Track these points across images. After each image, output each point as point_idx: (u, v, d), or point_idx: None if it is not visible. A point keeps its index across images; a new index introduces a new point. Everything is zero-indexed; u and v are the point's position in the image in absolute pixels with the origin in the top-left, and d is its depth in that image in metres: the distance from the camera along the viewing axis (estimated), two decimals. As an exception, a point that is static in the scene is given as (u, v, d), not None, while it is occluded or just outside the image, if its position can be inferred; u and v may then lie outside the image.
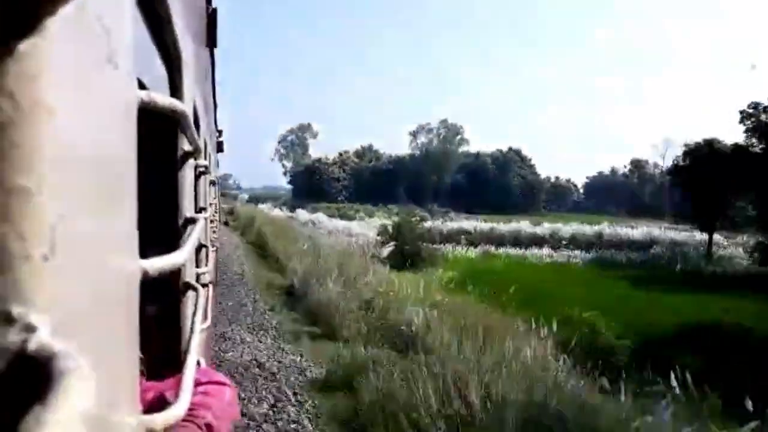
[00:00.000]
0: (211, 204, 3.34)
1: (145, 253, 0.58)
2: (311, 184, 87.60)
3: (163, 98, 0.66)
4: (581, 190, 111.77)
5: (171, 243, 1.40)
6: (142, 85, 0.75)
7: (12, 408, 0.24)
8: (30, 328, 0.26)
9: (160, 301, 1.49)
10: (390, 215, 51.51)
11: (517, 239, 39.38)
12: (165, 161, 1.45)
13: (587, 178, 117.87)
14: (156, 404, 1.14)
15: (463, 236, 37.61)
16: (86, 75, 0.35)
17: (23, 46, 0.26)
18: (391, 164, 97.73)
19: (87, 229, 0.34)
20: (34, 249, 0.26)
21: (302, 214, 41.29)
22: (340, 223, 36.53)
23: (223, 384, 1.38)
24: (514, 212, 79.68)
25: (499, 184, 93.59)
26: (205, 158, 2.38)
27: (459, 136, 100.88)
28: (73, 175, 0.32)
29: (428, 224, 34.26)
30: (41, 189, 0.26)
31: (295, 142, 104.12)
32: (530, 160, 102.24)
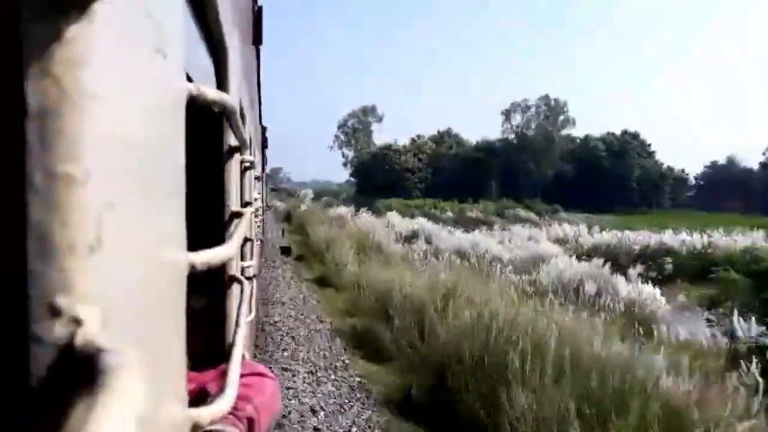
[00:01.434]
0: (256, 199, 3.38)
1: (191, 245, 0.58)
2: (379, 177, 71.33)
3: (212, 92, 0.66)
4: (693, 183, 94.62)
5: (217, 236, 1.42)
6: (188, 78, 0.75)
7: (59, 404, 0.24)
8: (77, 321, 0.25)
9: (206, 294, 1.51)
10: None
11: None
12: (212, 155, 1.46)
13: (705, 167, 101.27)
14: (197, 396, 1.15)
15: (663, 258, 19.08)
16: (134, 63, 0.34)
17: (70, 30, 0.25)
18: (478, 151, 76.36)
19: (134, 220, 0.33)
20: (79, 239, 0.25)
21: (395, 218, 27.38)
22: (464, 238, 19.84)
23: (265, 376, 1.38)
24: (637, 210, 68.43)
25: (614, 174, 74.51)
26: (251, 154, 2.40)
27: (562, 116, 77.82)
28: (120, 165, 0.31)
29: (568, 232, 25.05)
30: (87, 177, 0.26)
31: (357, 127, 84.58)
32: (649, 145, 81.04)
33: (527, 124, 78.96)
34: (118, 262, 0.29)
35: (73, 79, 0.25)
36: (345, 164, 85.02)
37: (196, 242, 0.64)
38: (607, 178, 74.46)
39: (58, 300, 0.25)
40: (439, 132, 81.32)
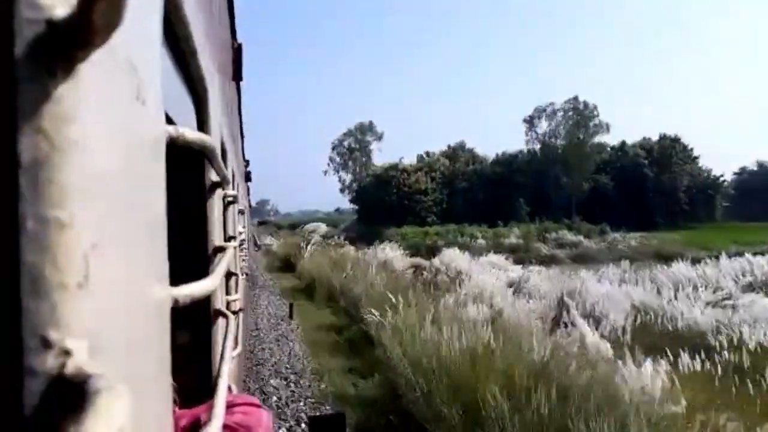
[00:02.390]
0: (240, 233, 3.39)
1: (175, 281, 0.60)
2: (384, 201, 59.57)
3: (190, 132, 0.69)
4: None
5: (201, 271, 1.43)
6: (170, 120, 0.78)
7: (51, 429, 0.26)
8: (67, 353, 0.27)
9: (192, 328, 1.51)
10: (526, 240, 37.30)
11: None
12: (194, 192, 1.49)
13: (735, 173, 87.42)
14: (191, 430, 1.16)
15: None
16: (116, 112, 0.37)
17: (59, 89, 0.28)
18: (499, 165, 64.90)
19: (118, 258, 0.36)
20: (68, 277, 0.28)
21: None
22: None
23: (259, 407, 1.40)
24: (689, 224, 58.29)
25: (659, 185, 62.94)
26: (233, 188, 2.43)
27: (594, 121, 64.90)
28: (105, 207, 0.33)
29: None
30: (74, 221, 0.28)
31: (354, 147, 75.20)
32: (691, 150, 67.56)
33: (554, 132, 65.84)
34: (104, 298, 0.32)
35: (61, 133, 0.28)
36: (342, 190, 75.52)
37: (179, 277, 0.66)
38: (651, 189, 62.66)
39: (49, 333, 0.27)
40: (450, 147, 69.12)
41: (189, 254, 1.52)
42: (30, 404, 0.26)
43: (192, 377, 1.55)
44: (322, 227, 46.79)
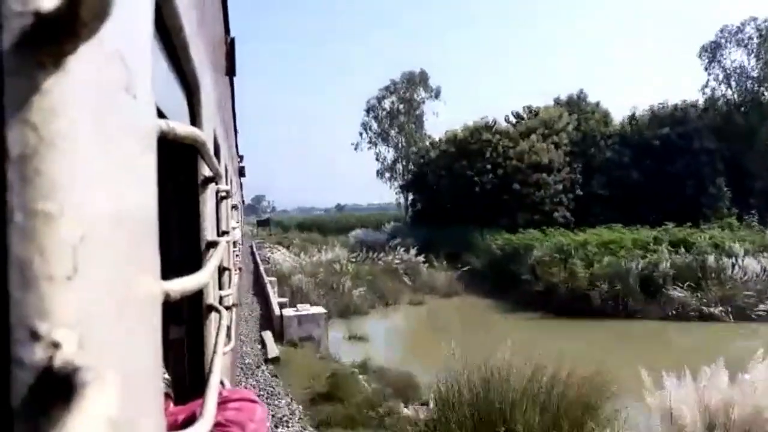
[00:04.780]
0: (233, 228, 3.39)
1: (168, 275, 0.60)
2: (467, 186, 30.33)
3: (182, 127, 0.69)
4: None
5: (194, 266, 1.43)
6: (162, 114, 0.78)
7: (40, 421, 0.26)
8: (55, 345, 0.27)
9: (185, 323, 1.51)
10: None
11: None
12: (186, 186, 1.48)
13: None
14: (188, 425, 1.17)
15: None
16: (105, 105, 0.37)
17: (47, 81, 0.28)
18: (663, 124, 31.75)
19: (108, 251, 0.36)
20: (57, 269, 0.28)
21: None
22: None
23: (254, 402, 1.40)
24: None
25: None
26: (226, 183, 2.42)
27: None
28: (93, 200, 0.33)
29: None
30: (63, 213, 0.28)
31: (398, 108, 47.33)
32: None
33: (739, 76, 35.70)
34: (92, 291, 0.32)
35: (50, 125, 0.28)
36: (382, 172, 47.88)
37: (172, 272, 0.66)
38: None
39: (37, 325, 0.27)
40: (558, 101, 35.40)
41: (181, 249, 1.52)
42: (18, 395, 0.26)
43: (185, 371, 1.55)
44: (360, 234, 34.69)
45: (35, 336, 0.27)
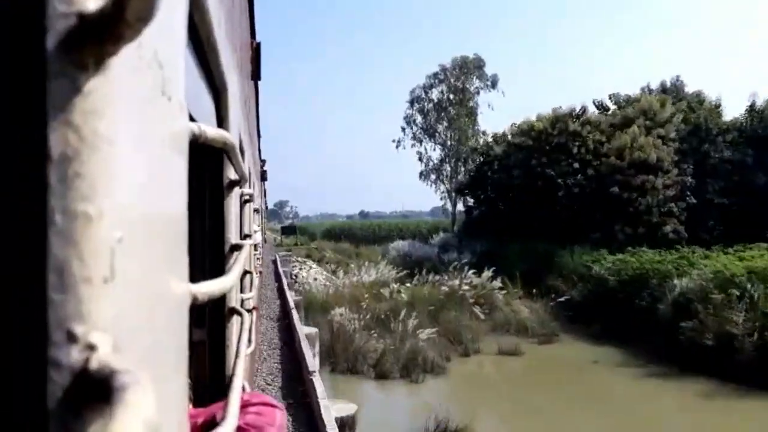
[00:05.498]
0: (255, 231, 3.41)
1: (193, 278, 0.60)
2: (543, 189, 23.52)
3: (212, 130, 0.69)
4: None
5: (217, 269, 1.44)
6: (190, 116, 0.79)
7: (76, 424, 0.26)
8: (91, 347, 0.27)
9: (208, 326, 1.52)
10: None
11: None
12: (213, 189, 1.49)
13: None
14: (208, 428, 1.17)
15: None
16: (143, 107, 0.37)
17: (89, 83, 0.28)
18: None
19: (142, 253, 0.36)
20: (94, 271, 0.28)
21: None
22: None
23: (274, 407, 1.41)
24: None
25: None
26: (250, 186, 2.44)
27: None
28: (130, 202, 0.33)
29: None
30: (101, 215, 0.28)
31: (450, 98, 39.29)
32: None
33: None
34: (127, 293, 0.32)
35: (91, 127, 0.28)
36: (425, 174, 39.57)
37: (196, 274, 0.66)
38: None
39: (74, 327, 0.27)
40: (647, 88, 29.33)
41: (206, 251, 1.53)
42: (54, 397, 0.26)
43: (205, 374, 1.56)
44: (402, 243, 30.59)
45: (72, 338, 0.27)
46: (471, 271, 17.53)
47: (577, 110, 26.05)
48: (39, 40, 0.26)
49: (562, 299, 17.13)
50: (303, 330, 7.57)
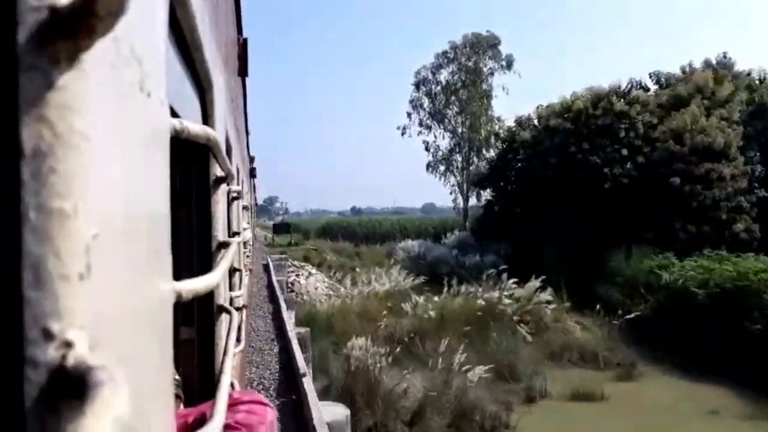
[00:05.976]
0: (244, 228, 3.40)
1: (179, 276, 0.60)
2: (584, 189, 19.21)
3: (195, 126, 0.68)
4: None
5: (205, 267, 1.43)
6: (174, 113, 0.78)
7: (52, 421, 0.26)
8: (68, 344, 0.27)
9: (195, 323, 1.52)
10: None
11: None
12: (198, 186, 1.49)
13: None
14: (197, 426, 1.17)
15: None
16: (120, 103, 0.37)
17: (63, 78, 0.27)
18: None
19: (121, 250, 0.36)
20: (70, 268, 0.28)
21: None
22: None
23: (265, 404, 1.41)
24: None
25: None
26: (238, 183, 2.43)
27: None
28: (107, 199, 0.33)
29: None
30: (77, 211, 0.28)
31: (457, 80, 34.50)
32: None
33: None
34: (105, 290, 0.32)
35: (65, 122, 0.28)
36: (434, 165, 35.56)
37: (183, 272, 0.66)
38: None
39: (51, 324, 0.27)
40: (688, 67, 23.90)
41: (193, 249, 1.52)
42: (31, 395, 0.26)
43: (195, 372, 1.55)
44: (411, 243, 26.46)
45: (48, 335, 0.27)
46: (511, 280, 14.12)
47: (623, 87, 21.85)
48: (10, 33, 0.26)
49: (631, 316, 13.12)
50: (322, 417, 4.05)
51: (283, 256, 18.35)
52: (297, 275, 17.17)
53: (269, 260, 16.02)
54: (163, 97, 0.53)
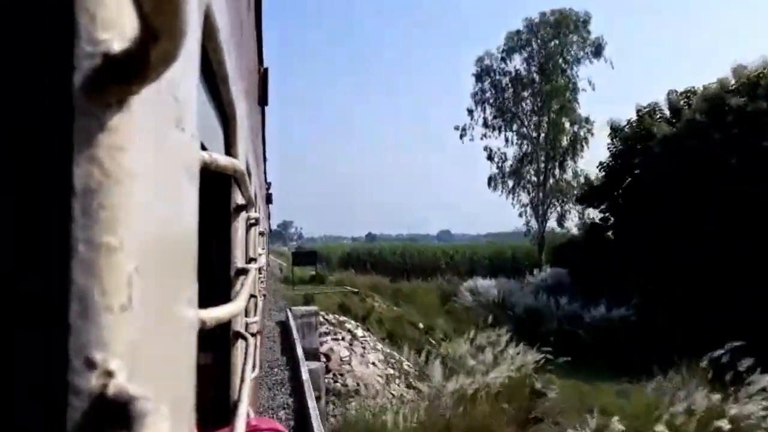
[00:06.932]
0: (260, 254, 3.42)
1: (199, 303, 0.61)
2: None
3: (223, 158, 0.70)
4: None
5: (223, 293, 1.44)
6: (201, 144, 0.80)
7: None
8: (109, 374, 0.28)
9: (212, 349, 1.52)
10: None
11: None
12: (220, 213, 1.51)
13: None
14: None
15: None
16: (161, 141, 0.38)
17: (113, 120, 0.29)
18: None
19: (156, 281, 0.37)
20: (114, 300, 0.29)
21: None
22: None
23: None
24: None
25: None
26: (256, 210, 2.46)
27: None
28: (146, 232, 0.35)
29: None
30: (122, 245, 0.30)
31: (540, 65, 25.72)
32: None
33: None
34: (143, 320, 0.33)
35: (115, 161, 0.29)
36: (495, 179, 29.20)
37: (202, 299, 0.67)
38: None
39: (94, 354, 0.28)
40: None
41: (211, 276, 1.54)
42: (73, 422, 0.27)
43: (212, 398, 1.55)
44: (482, 283, 20.09)
45: (91, 365, 0.28)
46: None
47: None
48: (66, 78, 0.28)
49: None
50: None
51: (312, 309, 11.08)
52: (335, 338, 10.61)
53: (289, 315, 10.33)
54: (195, 130, 0.55)
